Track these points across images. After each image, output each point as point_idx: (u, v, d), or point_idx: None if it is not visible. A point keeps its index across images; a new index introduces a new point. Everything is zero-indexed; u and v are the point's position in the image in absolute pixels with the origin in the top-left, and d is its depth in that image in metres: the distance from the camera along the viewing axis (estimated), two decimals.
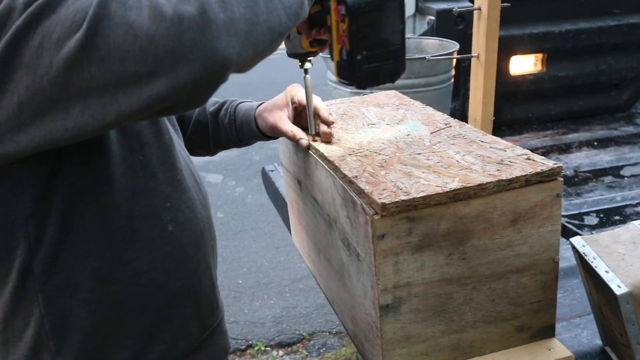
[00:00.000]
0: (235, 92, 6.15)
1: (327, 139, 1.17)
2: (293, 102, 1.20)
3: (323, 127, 1.17)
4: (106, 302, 0.89)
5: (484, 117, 1.67)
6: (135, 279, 0.90)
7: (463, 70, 2.33)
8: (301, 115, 1.22)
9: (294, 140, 1.18)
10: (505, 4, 1.61)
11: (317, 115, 1.18)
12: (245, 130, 1.24)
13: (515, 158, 0.99)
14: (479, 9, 1.63)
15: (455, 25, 2.27)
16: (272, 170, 2.20)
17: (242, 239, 3.73)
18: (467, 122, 2.03)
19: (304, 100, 1.17)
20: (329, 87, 2.16)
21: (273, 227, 3.79)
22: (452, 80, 2.08)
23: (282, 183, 1.99)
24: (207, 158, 4.94)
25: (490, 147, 1.06)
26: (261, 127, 1.21)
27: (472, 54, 1.72)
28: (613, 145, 2.36)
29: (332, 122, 1.18)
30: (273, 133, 1.20)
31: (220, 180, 4.55)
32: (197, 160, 4.31)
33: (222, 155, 4.94)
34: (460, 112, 2.41)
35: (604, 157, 2.22)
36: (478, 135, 1.13)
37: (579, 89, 2.73)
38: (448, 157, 1.04)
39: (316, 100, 1.19)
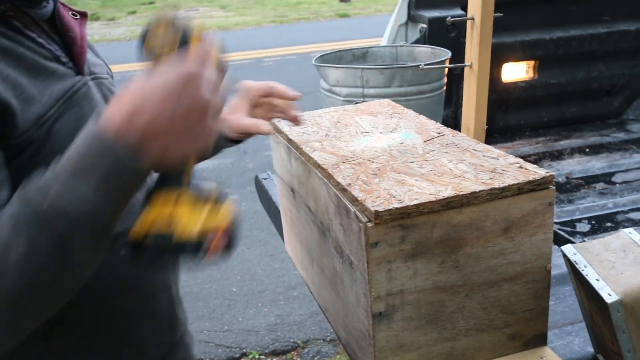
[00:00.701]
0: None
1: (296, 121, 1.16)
2: (248, 94, 1.15)
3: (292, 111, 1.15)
4: (56, 331, 0.86)
5: (476, 125, 1.68)
6: (86, 305, 0.87)
7: (455, 77, 2.34)
8: (261, 105, 1.17)
9: (258, 131, 1.12)
10: (498, 14, 1.62)
11: (279, 96, 1.14)
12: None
13: (507, 166, 1.00)
14: (472, 18, 1.64)
15: (447, 33, 2.28)
16: (265, 179, 2.21)
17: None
18: (459, 130, 2.04)
19: (257, 87, 1.14)
20: (321, 95, 2.17)
21: (267, 235, 3.79)
22: (445, 88, 2.09)
23: (275, 191, 1.99)
24: (201, 165, 4.93)
25: (483, 156, 1.07)
26: (226, 132, 1.17)
27: (465, 63, 1.72)
28: (605, 152, 2.37)
29: (295, 97, 1.15)
30: (236, 133, 1.15)
31: (214, 187, 4.55)
32: None
33: (216, 162, 4.94)
34: (452, 120, 2.42)
35: (596, 164, 2.23)
36: (471, 144, 1.14)
37: (570, 95, 2.75)
38: (441, 165, 1.04)
39: (269, 84, 1.15)
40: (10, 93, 0.76)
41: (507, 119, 2.59)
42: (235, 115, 1.14)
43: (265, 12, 13.06)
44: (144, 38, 0.71)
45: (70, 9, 0.98)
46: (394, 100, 1.58)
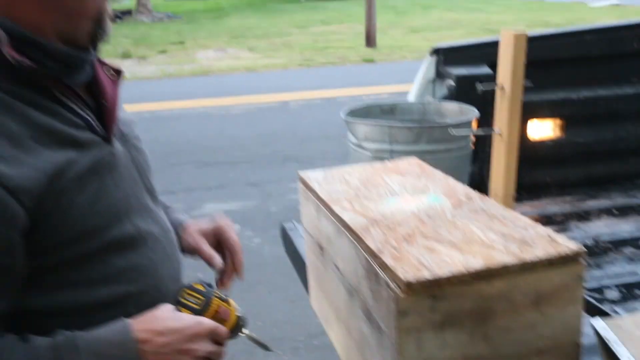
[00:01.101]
0: (257, 142, 6.18)
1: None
2: (218, 232, 1.22)
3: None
4: None
5: (505, 192, 1.69)
6: None
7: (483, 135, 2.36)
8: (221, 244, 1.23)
9: (210, 262, 1.18)
10: (528, 84, 1.65)
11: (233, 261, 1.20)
12: None
13: (537, 237, 1.01)
14: (502, 87, 1.66)
15: (474, 90, 2.31)
16: (291, 229, 2.21)
17: (258, 291, 3.72)
18: (486, 188, 2.04)
19: (227, 236, 1.21)
20: (349, 148, 2.20)
21: (288, 281, 3.77)
22: (472, 145, 2.11)
23: (301, 243, 2.00)
24: (224, 207, 4.98)
25: (512, 224, 1.08)
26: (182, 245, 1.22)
27: (495, 130, 1.73)
28: (633, 214, 2.35)
29: (239, 277, 1.22)
30: (190, 253, 1.21)
31: (238, 230, 4.56)
32: (214, 208, 4.41)
33: (240, 204, 4.97)
34: (478, 177, 2.42)
35: (624, 227, 2.21)
36: (499, 211, 1.15)
37: (597, 155, 2.74)
38: (470, 232, 1.06)
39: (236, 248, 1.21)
40: (41, 177, 0.84)
41: (533, 176, 2.59)
42: (200, 239, 1.19)
43: (292, 56, 13.30)
44: (179, 293, 1.02)
45: (108, 66, 1.04)
46: (421, 157, 1.60)
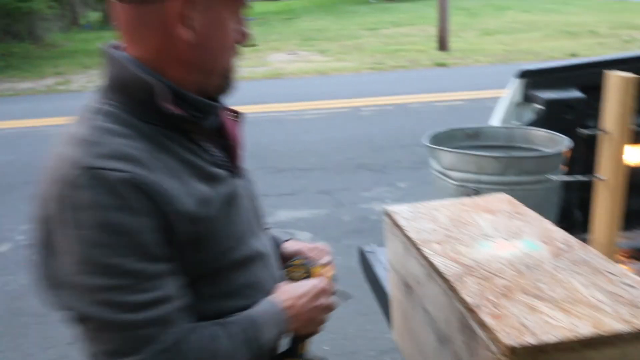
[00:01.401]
0: (329, 148, 6.17)
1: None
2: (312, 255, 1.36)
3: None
4: None
5: (608, 242, 1.61)
6: None
7: (573, 163, 2.26)
8: None
9: None
10: (636, 128, 1.56)
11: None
12: None
13: None
14: (608, 133, 1.55)
15: (563, 115, 2.23)
16: (370, 253, 2.20)
17: None
18: (574, 218, 1.97)
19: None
20: (432, 175, 2.17)
21: (360, 293, 3.74)
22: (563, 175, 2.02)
23: (381, 269, 1.99)
24: (296, 214, 5.03)
25: (620, 283, 1.02)
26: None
27: (600, 177, 1.61)
28: None
29: None
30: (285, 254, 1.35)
31: (309, 238, 4.59)
32: (286, 215, 4.46)
33: (311, 212, 5.00)
34: (567, 206, 2.32)
35: None
36: (604, 264, 1.10)
37: None
38: (573, 289, 1.01)
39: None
40: (195, 204, 1.00)
41: (630, 204, 2.46)
42: (299, 247, 1.38)
43: (363, 59, 13.27)
44: (286, 268, 1.27)
45: (229, 110, 1.18)
46: (509, 189, 1.56)
